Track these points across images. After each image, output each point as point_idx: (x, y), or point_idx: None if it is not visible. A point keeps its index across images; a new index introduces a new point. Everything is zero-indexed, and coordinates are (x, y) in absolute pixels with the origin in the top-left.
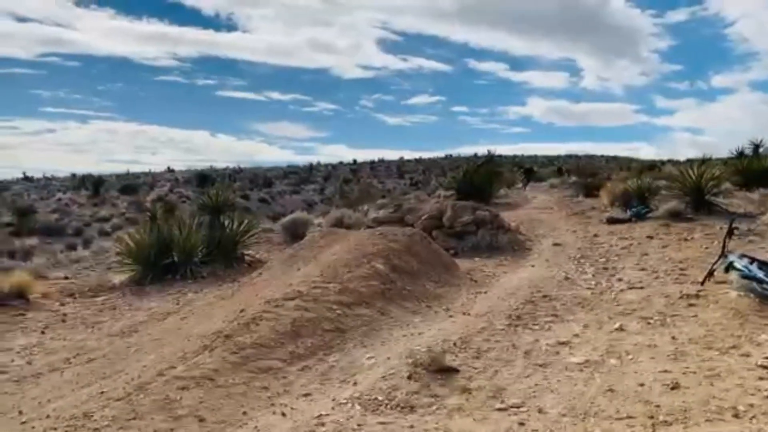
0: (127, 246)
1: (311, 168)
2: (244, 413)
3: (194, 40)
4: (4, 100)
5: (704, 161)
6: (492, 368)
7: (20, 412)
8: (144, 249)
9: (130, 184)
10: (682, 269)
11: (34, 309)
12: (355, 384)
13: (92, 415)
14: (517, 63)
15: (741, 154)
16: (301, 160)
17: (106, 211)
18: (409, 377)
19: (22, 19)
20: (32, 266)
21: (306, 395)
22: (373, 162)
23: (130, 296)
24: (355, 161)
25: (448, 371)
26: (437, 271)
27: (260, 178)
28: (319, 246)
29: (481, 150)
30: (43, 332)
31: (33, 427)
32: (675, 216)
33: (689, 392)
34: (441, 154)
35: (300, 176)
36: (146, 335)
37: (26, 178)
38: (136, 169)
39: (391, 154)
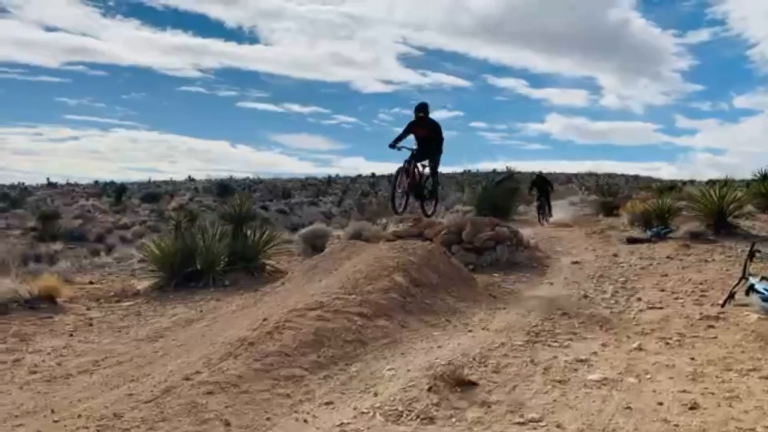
0: (151, 253)
1: (330, 180)
2: (268, 419)
3: (217, 52)
4: (30, 107)
5: (726, 182)
6: (511, 383)
7: (52, 411)
8: (168, 256)
9: (151, 192)
10: (702, 291)
11: (61, 312)
12: (375, 394)
13: (122, 416)
14: (537, 80)
15: (765, 177)
16: (320, 172)
17: (128, 219)
18: (429, 389)
19: (50, 29)
20: (59, 270)
21: (328, 404)
22: (391, 175)
23: (154, 302)
24: (373, 174)
25: (468, 384)
26: (456, 286)
27: (279, 189)
28: (340, 258)
29: (500, 166)
30: (71, 335)
31: (65, 426)
32: (695, 237)
33: (708, 413)
34: (459, 169)
35: (318, 188)
36: (171, 341)
37: (50, 184)
38: (157, 177)
39: None
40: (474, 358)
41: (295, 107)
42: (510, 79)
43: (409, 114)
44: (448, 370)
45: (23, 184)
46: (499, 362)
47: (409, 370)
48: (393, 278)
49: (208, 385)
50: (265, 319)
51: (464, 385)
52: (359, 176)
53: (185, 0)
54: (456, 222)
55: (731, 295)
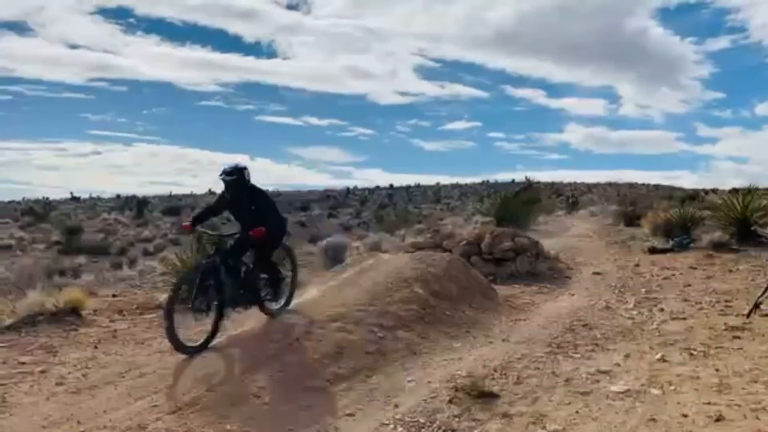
0: (173, 266)
1: (348, 192)
2: (290, 430)
3: (236, 66)
4: (54, 122)
5: (750, 190)
6: (532, 395)
7: (78, 422)
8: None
9: (172, 206)
10: (726, 301)
11: (86, 324)
12: (396, 406)
13: (146, 427)
14: (555, 90)
15: None
16: (338, 184)
17: (150, 232)
18: (450, 401)
19: (73, 46)
20: (83, 283)
21: (349, 415)
22: (409, 187)
23: (177, 314)
24: (391, 186)
25: (489, 396)
26: (476, 297)
27: (298, 202)
28: (359, 270)
29: (518, 176)
30: (95, 347)
31: None
32: (719, 246)
33: (734, 425)
34: (478, 179)
35: (337, 200)
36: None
37: (74, 198)
38: (178, 191)
39: (428, 179)
40: (495, 370)
41: (313, 120)
42: (528, 89)
43: (426, 126)
44: (469, 382)
45: (47, 198)
46: (521, 373)
47: (429, 382)
48: (413, 289)
49: (231, 396)
50: (286, 331)
51: (485, 396)
52: (377, 188)
53: (205, 16)
54: (475, 233)
55: (757, 306)
